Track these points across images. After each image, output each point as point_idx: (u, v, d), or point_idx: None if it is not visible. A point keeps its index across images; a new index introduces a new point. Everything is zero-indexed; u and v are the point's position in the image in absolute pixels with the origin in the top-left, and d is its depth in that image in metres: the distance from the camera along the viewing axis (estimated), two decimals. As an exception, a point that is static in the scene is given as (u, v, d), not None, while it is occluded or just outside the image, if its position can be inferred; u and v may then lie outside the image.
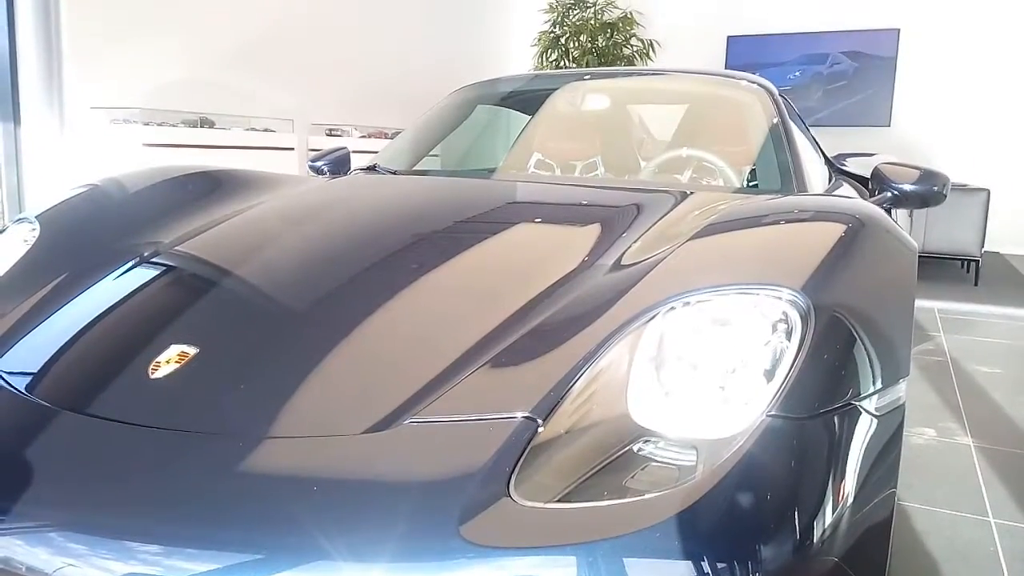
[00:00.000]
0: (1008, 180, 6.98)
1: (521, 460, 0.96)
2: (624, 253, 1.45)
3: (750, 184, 2.20)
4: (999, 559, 1.87)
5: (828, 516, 0.97)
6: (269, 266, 1.56)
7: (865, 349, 1.14)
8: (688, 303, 1.16)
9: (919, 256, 1.70)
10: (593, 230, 1.65)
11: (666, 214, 1.67)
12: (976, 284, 5.61)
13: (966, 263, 5.76)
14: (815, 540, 0.94)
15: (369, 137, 6.50)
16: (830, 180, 2.76)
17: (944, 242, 5.57)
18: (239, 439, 1.04)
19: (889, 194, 2.06)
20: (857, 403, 1.08)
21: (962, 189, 5.59)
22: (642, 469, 1.00)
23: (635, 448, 1.03)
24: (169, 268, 1.61)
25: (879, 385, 1.13)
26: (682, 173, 2.35)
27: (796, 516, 0.94)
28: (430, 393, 1.08)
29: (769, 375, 1.07)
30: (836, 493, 0.99)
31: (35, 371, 1.28)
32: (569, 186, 2.08)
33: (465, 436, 1.00)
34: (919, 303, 4.54)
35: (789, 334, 1.10)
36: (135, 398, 1.16)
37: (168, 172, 2.12)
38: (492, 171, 2.58)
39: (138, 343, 1.29)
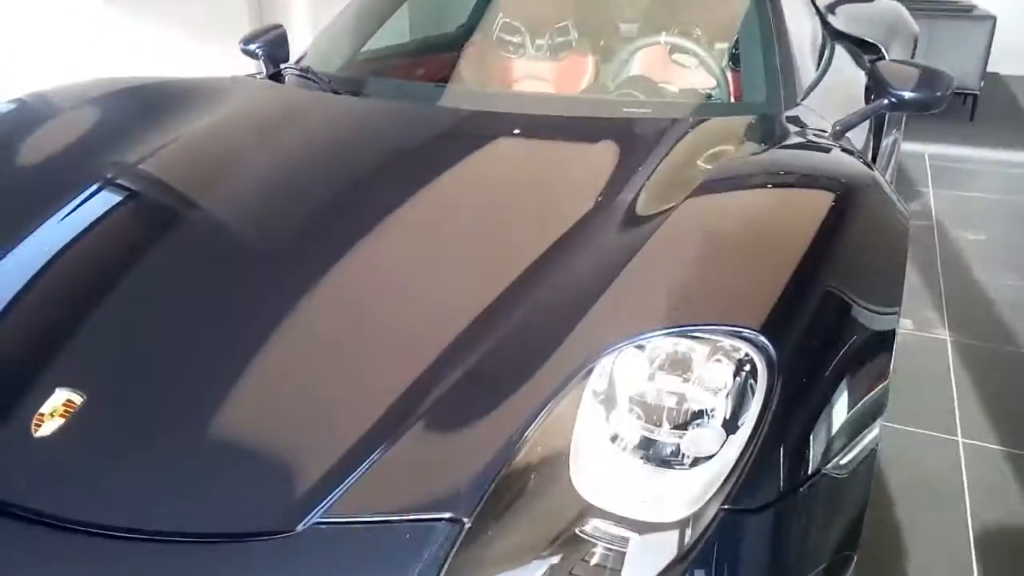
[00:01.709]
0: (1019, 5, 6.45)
1: (444, 571, 0.85)
2: (636, 200, 1.32)
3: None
4: (963, 490, 1.86)
5: None
6: (177, 247, 1.37)
7: (840, 395, 1.01)
8: (641, 347, 1.01)
9: None
10: (592, 173, 1.48)
11: (667, 154, 1.48)
12: (972, 119, 5.34)
13: (964, 96, 5.45)
14: None
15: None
16: (823, 49, 2.48)
17: (942, 73, 5.23)
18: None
19: (886, 100, 1.83)
20: (826, 470, 0.97)
21: (967, 15, 5.17)
22: (583, 560, 0.90)
23: (577, 530, 0.91)
24: (96, 230, 1.43)
25: (852, 438, 1.01)
26: (663, 70, 2.08)
27: None
28: (347, 470, 0.94)
29: (729, 442, 0.94)
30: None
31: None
32: (554, 115, 1.79)
33: (378, 546, 0.88)
34: (908, 148, 4.33)
35: (753, 389, 0.97)
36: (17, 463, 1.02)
37: (102, 86, 1.91)
38: (457, 51, 2.29)
39: (22, 384, 1.12)
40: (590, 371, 0.99)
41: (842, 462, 0.99)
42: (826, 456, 0.98)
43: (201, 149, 1.70)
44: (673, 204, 1.25)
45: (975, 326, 2.61)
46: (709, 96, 2.05)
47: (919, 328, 2.60)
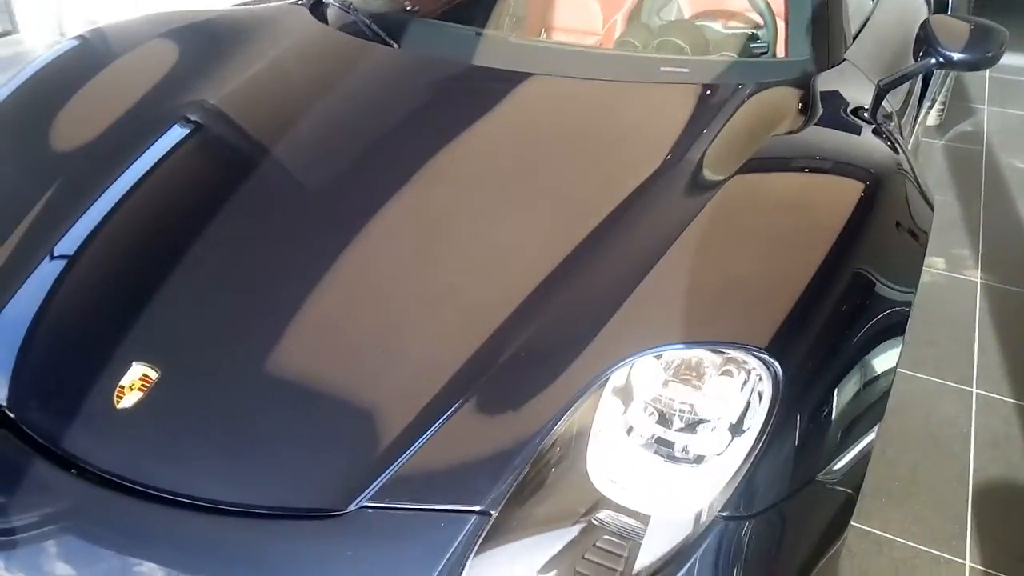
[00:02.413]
0: None
1: (470, 560, 0.99)
2: (699, 165, 1.42)
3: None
4: (969, 443, 1.95)
5: None
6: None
7: (842, 405, 1.10)
8: (658, 356, 1.09)
9: None
10: (647, 135, 1.55)
11: (730, 117, 1.55)
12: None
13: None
14: None
15: None
16: None
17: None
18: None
19: (933, 60, 1.80)
20: (820, 476, 1.07)
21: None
22: (595, 546, 1.02)
23: (592, 520, 1.03)
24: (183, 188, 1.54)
25: (850, 445, 1.10)
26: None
27: None
28: (394, 456, 1.07)
29: (734, 445, 1.04)
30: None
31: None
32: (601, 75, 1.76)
33: (414, 534, 1.01)
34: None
35: (760, 397, 1.06)
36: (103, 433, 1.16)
37: (158, 24, 1.96)
38: None
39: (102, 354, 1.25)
40: (608, 378, 1.09)
41: (836, 467, 1.09)
42: (824, 462, 1.07)
43: (258, 97, 1.76)
44: (724, 177, 1.35)
45: (1009, 268, 2.62)
46: (754, 37, 2.02)
47: (950, 267, 2.62)
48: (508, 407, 1.10)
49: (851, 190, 1.34)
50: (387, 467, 1.06)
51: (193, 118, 1.68)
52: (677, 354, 1.09)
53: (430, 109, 1.72)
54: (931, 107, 2.98)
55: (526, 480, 1.04)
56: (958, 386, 2.12)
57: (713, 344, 1.08)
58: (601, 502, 1.03)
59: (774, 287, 1.16)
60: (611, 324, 1.14)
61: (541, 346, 1.16)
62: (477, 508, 1.01)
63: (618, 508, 1.02)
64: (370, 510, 1.03)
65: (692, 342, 1.09)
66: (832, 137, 1.54)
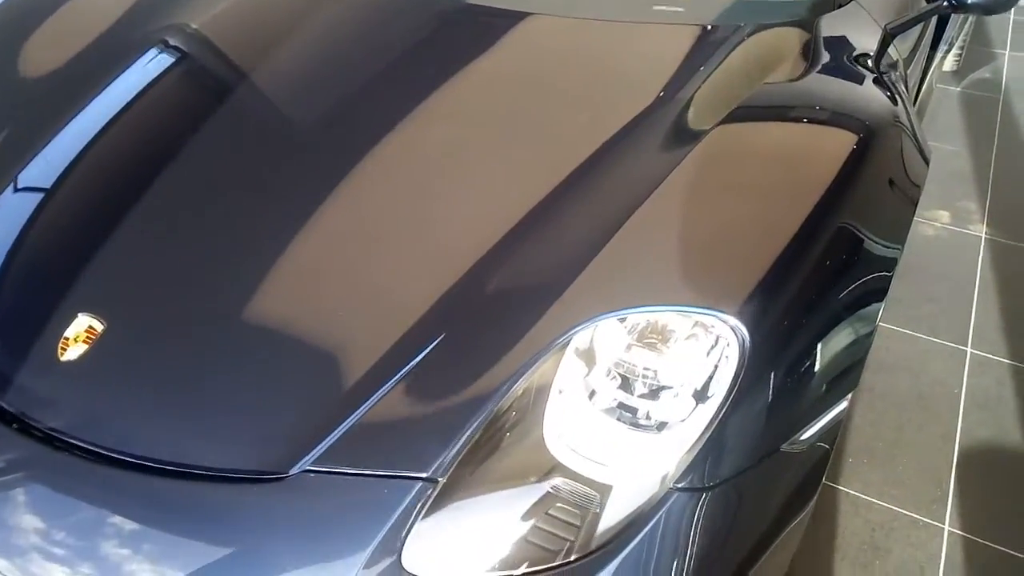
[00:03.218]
0: None
1: (415, 527, 0.95)
2: (685, 110, 1.34)
3: None
4: (959, 404, 1.91)
5: None
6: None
7: (814, 373, 1.05)
8: (622, 319, 1.04)
9: None
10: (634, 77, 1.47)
11: (723, 60, 1.47)
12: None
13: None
14: None
15: None
16: None
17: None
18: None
19: (945, 2, 1.69)
20: (786, 447, 1.02)
21: None
22: (547, 514, 0.99)
23: (549, 488, 1.00)
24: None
25: (819, 414, 1.05)
26: None
27: None
28: (337, 420, 1.03)
29: (697, 412, 1.00)
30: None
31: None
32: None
33: (357, 499, 0.97)
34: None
35: (726, 361, 1.01)
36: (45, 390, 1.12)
37: None
38: None
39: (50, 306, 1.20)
40: (570, 339, 1.04)
41: (802, 437, 1.05)
42: (790, 431, 1.03)
43: (240, 24, 1.68)
44: (708, 127, 1.27)
45: (1016, 223, 2.53)
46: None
47: (955, 221, 2.53)
48: (463, 367, 1.05)
49: (841, 143, 1.27)
50: (333, 430, 1.02)
51: (171, 43, 1.60)
52: (642, 316, 1.04)
53: (414, 46, 1.63)
54: (947, 52, 2.85)
55: (479, 444, 1.00)
56: (952, 345, 2.06)
57: (679, 307, 1.03)
58: (557, 469, 0.99)
59: (750, 245, 1.10)
60: (576, 283, 1.08)
61: (500, 303, 1.11)
62: (423, 475, 0.97)
63: (574, 476, 0.98)
64: (312, 474, 1.00)
65: (657, 305, 1.03)
66: (828, 86, 1.45)
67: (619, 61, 1.53)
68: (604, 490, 0.97)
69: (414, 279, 1.16)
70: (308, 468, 1.00)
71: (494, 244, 1.17)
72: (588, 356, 1.04)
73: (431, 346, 1.07)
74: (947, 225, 2.50)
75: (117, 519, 1.00)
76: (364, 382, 1.05)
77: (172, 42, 1.61)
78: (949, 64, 3.34)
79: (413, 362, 1.06)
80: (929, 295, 2.21)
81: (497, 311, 1.10)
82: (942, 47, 2.42)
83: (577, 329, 1.03)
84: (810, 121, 1.36)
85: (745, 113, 1.31)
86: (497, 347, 1.05)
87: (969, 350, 2.04)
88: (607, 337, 1.04)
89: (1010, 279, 2.28)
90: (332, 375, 1.07)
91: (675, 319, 1.03)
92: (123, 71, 1.55)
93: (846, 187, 1.19)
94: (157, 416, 1.09)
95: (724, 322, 1.01)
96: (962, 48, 3.33)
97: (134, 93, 1.51)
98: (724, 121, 1.28)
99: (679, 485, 0.95)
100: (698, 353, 1.02)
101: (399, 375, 1.05)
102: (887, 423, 1.83)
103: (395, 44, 1.62)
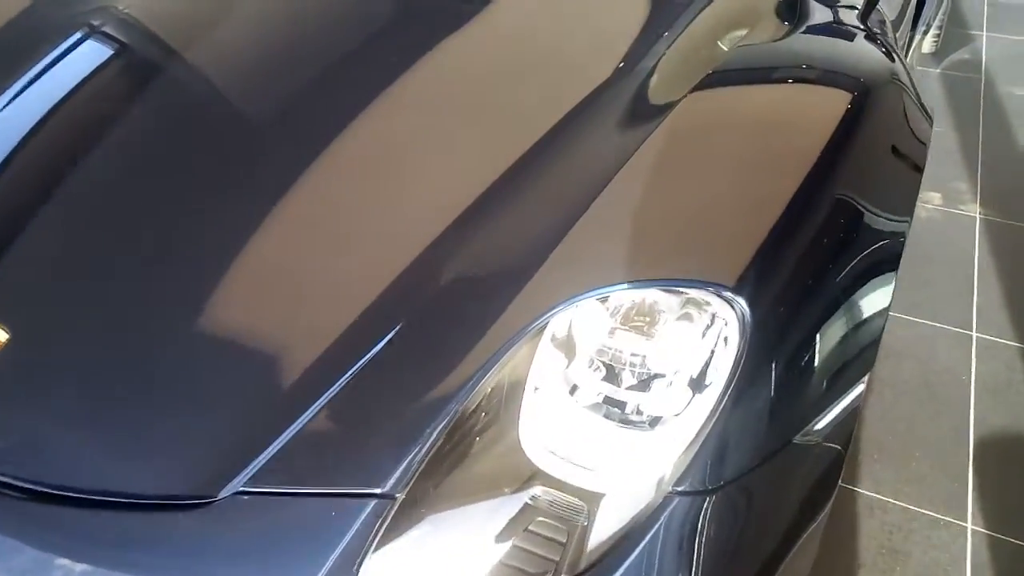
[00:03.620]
0: None
1: (371, 554, 0.80)
2: (647, 82, 1.20)
3: None
4: (969, 392, 1.78)
5: None
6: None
7: (824, 354, 0.91)
8: (604, 299, 0.90)
9: None
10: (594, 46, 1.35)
11: (694, 18, 1.34)
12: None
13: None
14: None
15: None
16: None
17: None
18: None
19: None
20: (798, 439, 0.89)
21: None
22: (527, 530, 0.84)
23: (528, 500, 0.85)
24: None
25: (833, 401, 0.92)
26: None
27: None
28: (273, 434, 0.87)
29: (694, 403, 0.86)
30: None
31: None
32: None
33: (301, 522, 0.82)
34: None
35: (725, 344, 0.87)
36: None
37: None
38: None
39: None
40: (545, 325, 0.90)
41: (817, 427, 0.91)
42: (803, 421, 0.89)
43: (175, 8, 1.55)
44: (679, 97, 1.12)
45: (1010, 201, 2.42)
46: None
47: (947, 202, 2.42)
48: (421, 364, 0.90)
49: (835, 103, 1.14)
50: (269, 444, 0.86)
51: (100, 25, 1.47)
52: (626, 295, 0.90)
53: (361, 25, 1.51)
54: (926, 33, 2.77)
55: (443, 452, 0.85)
56: (956, 330, 1.94)
57: (668, 283, 0.89)
58: (536, 477, 0.85)
59: (741, 216, 0.96)
60: (549, 261, 0.94)
61: (462, 289, 0.96)
62: (378, 491, 0.82)
63: (557, 484, 0.84)
64: (245, 496, 0.84)
65: (642, 280, 0.89)
66: (814, 44, 1.33)
67: (584, 26, 1.41)
68: (592, 499, 0.83)
69: (362, 269, 1.01)
70: (240, 490, 0.84)
71: (451, 224, 1.03)
72: (567, 344, 0.91)
73: (383, 342, 0.92)
74: (940, 206, 2.40)
75: (32, 555, 0.85)
76: (305, 387, 0.90)
77: (100, 24, 1.47)
78: (928, 46, 3.27)
79: (362, 361, 0.91)
80: (927, 279, 2.09)
81: (459, 297, 0.96)
82: (920, 28, 2.33)
83: (552, 313, 0.89)
84: (796, 81, 1.23)
85: (721, 78, 1.18)
86: (460, 338, 0.91)
87: (975, 334, 1.92)
88: (587, 321, 0.90)
89: (1010, 259, 2.17)
90: (268, 382, 0.92)
91: (664, 297, 0.89)
92: (44, 57, 1.41)
93: (843, 152, 1.06)
94: (71, 438, 0.93)
95: (720, 297, 0.87)
96: (940, 28, 3.26)
97: (57, 77, 1.38)
98: (697, 88, 1.15)
99: (678, 489, 0.81)
100: (692, 335, 0.88)
101: (346, 377, 0.90)
102: (897, 415, 1.70)
103: (344, 24, 1.49)
